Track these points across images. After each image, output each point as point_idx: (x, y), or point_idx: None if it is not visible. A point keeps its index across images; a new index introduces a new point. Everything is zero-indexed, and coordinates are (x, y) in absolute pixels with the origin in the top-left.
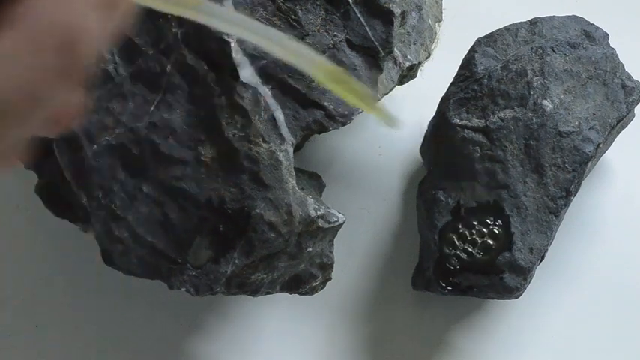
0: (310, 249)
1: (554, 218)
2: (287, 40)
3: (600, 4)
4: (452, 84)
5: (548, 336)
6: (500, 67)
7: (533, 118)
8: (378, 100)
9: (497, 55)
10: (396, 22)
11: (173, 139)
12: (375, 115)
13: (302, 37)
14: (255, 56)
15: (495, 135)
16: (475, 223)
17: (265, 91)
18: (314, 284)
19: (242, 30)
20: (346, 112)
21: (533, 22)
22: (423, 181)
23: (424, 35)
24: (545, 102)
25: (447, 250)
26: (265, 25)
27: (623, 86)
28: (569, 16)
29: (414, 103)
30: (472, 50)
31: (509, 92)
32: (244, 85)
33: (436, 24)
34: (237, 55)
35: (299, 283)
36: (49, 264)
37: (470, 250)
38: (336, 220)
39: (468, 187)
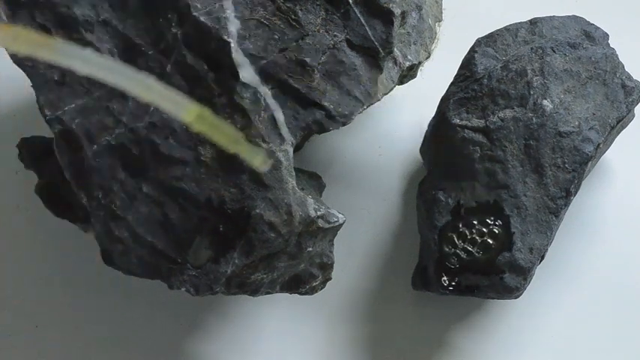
0: (310, 249)
1: (554, 218)
2: (155, 83)
3: (600, 4)
4: (452, 84)
5: (548, 336)
6: (500, 67)
7: (533, 118)
8: (254, 137)
9: (497, 55)
10: (396, 22)
11: (173, 139)
12: (244, 155)
13: (302, 37)
14: (256, 56)
15: (495, 135)
16: (475, 222)
17: (265, 91)
18: (314, 284)
19: (103, 72)
20: (346, 112)
21: (533, 22)
22: (423, 181)
23: (424, 35)
24: (545, 102)
25: (447, 249)
26: (131, 67)
27: (623, 86)
28: (569, 16)
29: (414, 103)
30: (472, 50)
31: (509, 92)
32: (244, 85)
33: (436, 24)
34: (237, 55)
35: (299, 283)
36: (49, 264)
37: (469, 249)
38: (336, 220)
39: (468, 187)
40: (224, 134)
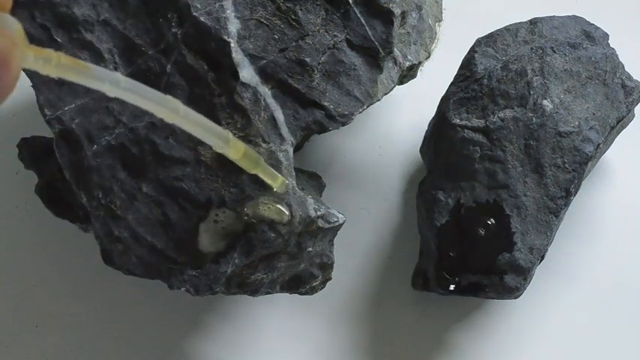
0: (310, 249)
1: (554, 218)
2: (193, 113)
3: (600, 4)
4: (452, 84)
5: (548, 336)
6: (500, 67)
7: (533, 118)
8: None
9: (497, 55)
10: (396, 22)
11: (173, 139)
12: (267, 180)
13: (302, 37)
14: (256, 56)
15: (495, 135)
16: (475, 222)
17: (265, 91)
18: (314, 284)
19: (132, 95)
20: (346, 112)
21: (533, 22)
22: (423, 181)
23: (424, 35)
24: (545, 102)
25: (447, 249)
26: (163, 95)
27: (623, 86)
28: (569, 16)
29: (414, 103)
30: (472, 50)
31: (509, 92)
32: (244, 85)
33: (436, 24)
34: (237, 55)
35: (299, 283)
36: (49, 264)
37: (469, 249)
38: (336, 220)
39: (468, 187)
40: (255, 161)
